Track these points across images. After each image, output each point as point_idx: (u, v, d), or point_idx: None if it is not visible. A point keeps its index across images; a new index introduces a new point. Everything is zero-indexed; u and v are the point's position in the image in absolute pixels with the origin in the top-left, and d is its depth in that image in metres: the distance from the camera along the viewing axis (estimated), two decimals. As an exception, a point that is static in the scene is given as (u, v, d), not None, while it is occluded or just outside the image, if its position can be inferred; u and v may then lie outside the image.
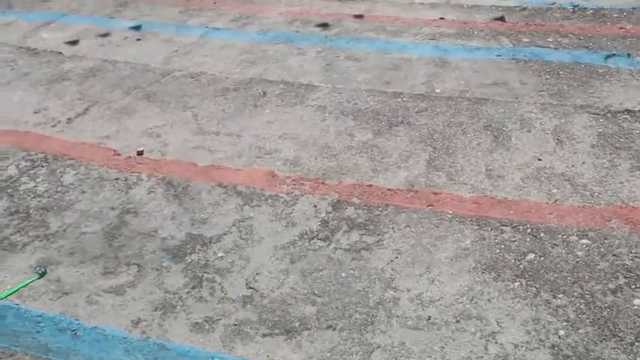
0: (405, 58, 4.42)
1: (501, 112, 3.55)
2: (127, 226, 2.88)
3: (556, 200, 2.87)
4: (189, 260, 2.66)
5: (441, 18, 5.49)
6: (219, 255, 2.68)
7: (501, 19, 5.48)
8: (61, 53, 4.86)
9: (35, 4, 6.52)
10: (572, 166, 3.09)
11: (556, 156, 3.17)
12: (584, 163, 3.11)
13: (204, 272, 2.59)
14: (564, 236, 2.63)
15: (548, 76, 4.07)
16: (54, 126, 3.82)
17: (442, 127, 3.43)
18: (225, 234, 2.78)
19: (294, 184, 3.04)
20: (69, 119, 3.88)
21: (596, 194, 2.89)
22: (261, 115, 3.69)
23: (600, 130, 3.35)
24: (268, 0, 6.51)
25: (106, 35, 5.29)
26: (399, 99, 3.73)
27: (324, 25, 5.22)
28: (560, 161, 3.13)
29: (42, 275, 2.64)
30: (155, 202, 3.01)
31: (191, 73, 4.28)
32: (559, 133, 3.34)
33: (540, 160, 3.15)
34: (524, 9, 5.79)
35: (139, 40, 5.14)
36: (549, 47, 4.55)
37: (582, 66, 4.19)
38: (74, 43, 5.18)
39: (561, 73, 4.11)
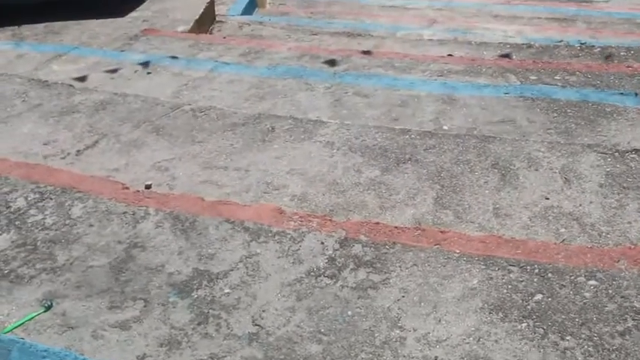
0: (413, 94, 4.45)
1: (509, 151, 3.55)
2: (133, 261, 2.88)
3: (564, 240, 2.86)
4: (196, 296, 2.66)
5: (449, 55, 5.54)
6: (226, 291, 2.67)
7: (508, 56, 5.53)
8: (71, 86, 4.90)
9: (47, 37, 6.60)
10: (580, 205, 3.09)
11: (564, 195, 3.17)
12: (591, 202, 3.11)
13: (211, 308, 2.59)
14: (572, 277, 2.61)
15: (555, 114, 4.09)
16: (63, 158, 3.84)
17: (450, 165, 3.44)
18: (231, 270, 2.78)
19: (302, 221, 3.04)
20: (78, 151, 3.90)
21: (604, 234, 2.88)
22: (270, 151, 3.71)
23: (608, 170, 3.35)
24: (277, 35, 6.58)
25: (116, 69, 5.34)
26: (407, 136, 3.75)
27: (333, 61, 5.26)
28: (568, 200, 3.13)
29: (48, 308, 2.64)
30: (162, 237, 3.01)
31: (200, 108, 4.31)
32: (567, 172, 3.34)
33: (548, 199, 3.14)
34: (532, 46, 5.84)
35: (149, 73, 5.19)
36: (557, 85, 4.58)
37: (590, 104, 4.21)
38: (85, 75, 5.23)
39: (569, 111, 4.12)
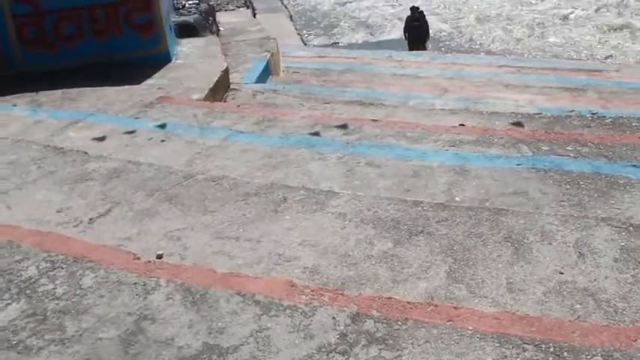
0: (425, 165, 4.46)
1: (522, 224, 3.53)
2: (143, 333, 2.86)
3: (579, 316, 2.82)
4: (205, 371, 2.63)
5: (461, 124, 5.57)
6: (236, 366, 2.64)
7: (520, 125, 5.56)
8: (86, 153, 4.96)
9: (64, 103, 6.71)
10: (595, 280, 3.05)
11: (578, 270, 3.14)
12: (607, 277, 3.07)
13: (220, 384, 2.55)
14: (588, 356, 2.56)
15: (568, 186, 4.08)
16: (76, 226, 3.85)
17: (462, 238, 3.42)
18: (242, 344, 2.75)
19: (313, 295, 3.02)
20: (91, 219, 3.92)
21: (620, 311, 2.84)
22: (282, 221, 3.70)
23: (623, 244, 3.32)
24: (291, 103, 6.66)
25: (131, 136, 5.40)
26: (419, 208, 3.74)
27: (345, 129, 5.30)
28: (583, 275, 3.09)
29: (56, 383, 2.61)
30: (173, 309, 2.99)
31: (213, 177, 4.33)
32: (581, 246, 3.31)
33: (562, 273, 3.11)
34: (543, 116, 5.87)
35: (163, 141, 5.25)
36: (569, 156, 4.58)
37: (602, 176, 4.20)
38: (99, 143, 5.29)
39: (581, 183, 4.12)
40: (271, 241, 3.51)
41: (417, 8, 18.60)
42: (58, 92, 7.16)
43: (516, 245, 3.34)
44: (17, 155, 5.01)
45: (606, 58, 19.40)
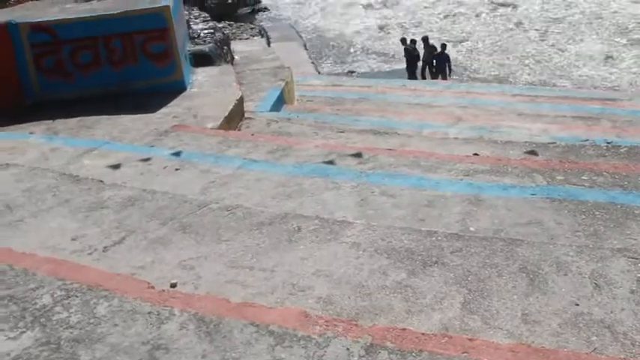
0: (439, 194, 4.45)
1: (537, 254, 3.51)
2: (156, 363, 2.86)
3: (595, 349, 2.79)
4: (218, 402, 2.61)
5: (475, 154, 5.56)
6: (249, 398, 2.63)
7: (534, 154, 5.55)
8: (101, 181, 4.99)
9: (80, 131, 6.77)
10: (611, 312, 3.02)
11: (594, 301, 3.11)
12: (623, 309, 3.04)
13: (233, 416, 2.54)
14: (605, 390, 2.54)
15: (583, 216, 4.06)
16: (90, 254, 3.86)
17: (477, 269, 3.40)
18: (255, 375, 2.74)
19: (327, 325, 3.00)
20: (105, 248, 3.93)
21: (637, 343, 2.81)
22: (296, 251, 3.70)
23: (639, 275, 3.29)
24: (305, 132, 6.69)
25: (146, 164, 5.43)
26: (434, 238, 3.73)
27: (359, 158, 5.31)
28: (599, 307, 3.06)
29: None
30: (186, 339, 2.98)
31: (227, 206, 4.34)
32: (596, 277, 3.29)
33: (578, 305, 3.08)
34: (557, 146, 5.86)
35: (177, 169, 5.27)
36: (584, 186, 4.56)
37: (618, 206, 4.17)
38: (114, 171, 5.33)
39: (597, 213, 4.09)
40: (285, 271, 3.51)
41: (405, 40, 20.29)
42: (74, 120, 7.23)
43: (531, 276, 3.32)
44: (33, 183, 5.05)
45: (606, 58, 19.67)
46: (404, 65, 19.98)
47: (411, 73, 19.69)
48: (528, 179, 4.73)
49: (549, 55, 22.42)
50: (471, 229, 3.95)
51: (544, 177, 4.74)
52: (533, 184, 4.64)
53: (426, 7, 29.50)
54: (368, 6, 31.34)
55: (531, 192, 4.45)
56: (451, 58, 19.37)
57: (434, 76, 18.96)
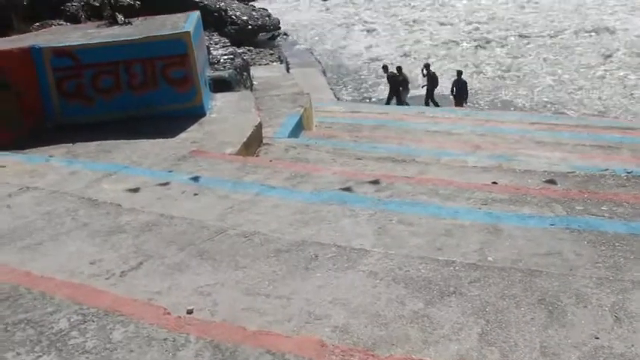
0: (458, 224, 4.43)
1: (556, 286, 3.48)
2: (172, 391, 2.84)
3: (615, 384, 2.75)
4: None
5: (494, 182, 5.54)
6: None
7: (553, 183, 5.51)
8: (119, 205, 5.01)
9: (99, 155, 6.82)
10: (632, 346, 2.98)
11: (614, 334, 3.07)
12: (644, 343, 3.00)
13: None
14: None
15: (603, 248, 4.02)
16: (107, 278, 3.87)
17: (495, 299, 3.37)
18: (270, 405, 2.72)
19: (343, 355, 2.98)
20: (123, 272, 3.94)
21: (658, 379, 2.77)
22: (313, 279, 3.69)
23: (660, 309, 3.25)
24: (323, 158, 6.69)
25: (164, 189, 5.45)
26: (452, 267, 3.71)
27: (377, 185, 5.30)
28: (619, 340, 3.02)
29: None
30: (202, 367, 2.97)
31: (244, 232, 4.34)
32: (617, 309, 3.25)
33: (598, 338, 3.04)
34: (577, 175, 5.82)
35: (195, 194, 5.29)
36: (604, 216, 4.52)
37: (638, 237, 4.13)
38: (133, 195, 5.35)
39: (617, 244, 4.05)
40: (302, 299, 3.49)
41: (387, 67, 21.03)
42: (94, 144, 7.30)
43: (550, 308, 3.29)
44: (53, 206, 5.08)
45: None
46: (422, 92, 20.11)
47: (394, 99, 20.28)
48: (547, 209, 4.70)
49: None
50: (489, 258, 3.92)
51: (563, 207, 4.71)
52: (552, 214, 4.61)
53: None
54: (394, 33, 31.53)
55: (550, 222, 4.42)
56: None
57: (457, 103, 19.09)
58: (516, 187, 5.29)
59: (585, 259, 3.88)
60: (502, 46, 28.08)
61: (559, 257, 3.91)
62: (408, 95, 20.07)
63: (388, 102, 20.09)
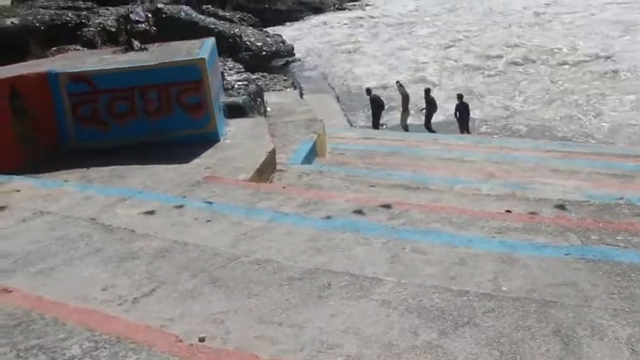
0: (471, 253, 4.40)
1: (571, 317, 3.44)
2: (183, 420, 2.83)
3: (632, 419, 2.71)
4: None
5: (508, 211, 5.51)
6: None
7: (567, 211, 5.48)
8: (133, 231, 5.02)
9: (113, 180, 6.86)
10: (649, 380, 2.95)
11: (631, 367, 3.04)
12: (661, 377, 2.96)
13: None
14: None
15: (619, 278, 3.98)
16: (120, 305, 3.87)
17: (509, 330, 3.34)
18: None
19: (356, 385, 2.96)
20: (135, 299, 3.93)
21: (675, 414, 2.73)
22: (325, 307, 3.67)
23: (678, 342, 3.21)
24: (336, 185, 6.69)
25: (177, 215, 5.46)
26: (465, 297, 3.68)
27: (390, 213, 5.29)
28: (635, 374, 2.99)
29: None
30: (213, 396, 2.96)
31: (257, 260, 4.33)
32: (633, 342, 3.21)
33: (614, 371, 3.01)
34: (591, 204, 5.79)
35: (208, 221, 5.29)
36: (619, 246, 4.48)
37: (655, 269, 4.10)
38: (146, 220, 5.36)
39: (632, 275, 4.01)
40: (315, 328, 3.47)
41: (370, 90, 22.03)
42: (108, 169, 7.34)
43: (565, 340, 3.25)
44: (66, 231, 5.10)
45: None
46: (438, 119, 20.31)
47: (376, 124, 20.82)
48: (562, 238, 4.66)
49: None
50: (504, 288, 3.89)
51: (578, 236, 4.67)
52: (567, 243, 4.57)
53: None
54: (414, 60, 31.67)
55: (565, 252, 4.38)
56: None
57: (461, 127, 19.31)
58: (530, 216, 5.26)
59: (601, 290, 3.84)
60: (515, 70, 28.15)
61: (574, 288, 3.87)
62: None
63: (377, 126, 20.61)
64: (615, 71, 25.65)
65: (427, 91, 20.70)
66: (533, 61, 28.72)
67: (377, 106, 20.89)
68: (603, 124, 20.37)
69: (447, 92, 24.08)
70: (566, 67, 27.44)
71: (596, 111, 21.59)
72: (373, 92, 21.68)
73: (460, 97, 19.92)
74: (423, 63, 30.68)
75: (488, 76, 27.63)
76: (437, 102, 20.60)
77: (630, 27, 32.42)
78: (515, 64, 28.76)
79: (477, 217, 5.18)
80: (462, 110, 19.53)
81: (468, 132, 19.17)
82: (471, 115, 20.06)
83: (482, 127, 20.89)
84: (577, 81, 25.26)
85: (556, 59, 28.49)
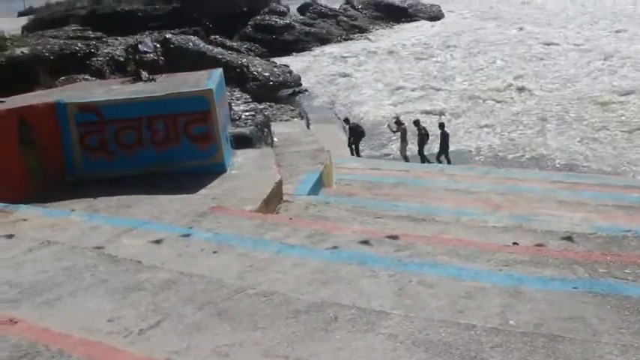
0: (478, 286, 4.38)
1: (579, 352, 3.41)
2: None
3: None
4: None
5: (515, 243, 5.50)
6: None
7: (575, 244, 5.46)
8: (139, 262, 5.01)
9: (120, 210, 6.87)
10: (658, 418, 2.92)
11: (640, 404, 3.00)
12: (671, 414, 2.93)
13: None
14: None
15: (627, 313, 3.95)
16: (125, 337, 3.85)
17: (517, 365, 3.32)
18: None
19: (362, 421, 2.94)
20: (141, 330, 3.91)
21: None
22: (332, 341, 3.64)
23: (688, 378, 3.18)
24: (342, 217, 6.69)
25: (183, 245, 5.46)
26: (472, 332, 3.65)
27: (397, 245, 5.28)
28: (645, 411, 2.96)
29: None
30: None
31: (264, 292, 4.31)
32: (642, 379, 3.19)
33: (623, 408, 2.98)
34: (599, 236, 5.77)
35: (215, 252, 5.29)
36: (627, 280, 4.46)
37: (663, 303, 4.07)
38: (153, 251, 5.36)
39: (641, 309, 3.99)
40: (321, 361, 3.46)
41: (348, 119, 23.47)
42: (115, 199, 7.36)
43: (573, 376, 3.23)
44: (72, 261, 5.09)
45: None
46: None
47: (355, 150, 21.45)
48: (569, 271, 4.64)
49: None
50: (511, 322, 3.87)
51: (586, 269, 4.65)
52: (574, 276, 4.55)
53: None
54: (415, 89, 31.91)
55: (573, 285, 4.36)
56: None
57: (439, 156, 20.10)
58: (537, 249, 5.25)
59: (609, 325, 3.82)
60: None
61: (582, 322, 3.85)
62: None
63: (357, 153, 21.16)
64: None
65: (416, 123, 21.16)
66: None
67: (357, 133, 21.35)
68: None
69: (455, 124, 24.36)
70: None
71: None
72: (352, 121, 22.78)
73: (441, 125, 20.71)
74: (429, 94, 30.88)
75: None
76: (428, 131, 21.15)
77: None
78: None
79: (483, 249, 5.17)
80: (443, 139, 19.97)
81: (449, 162, 19.48)
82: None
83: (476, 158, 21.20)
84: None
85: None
